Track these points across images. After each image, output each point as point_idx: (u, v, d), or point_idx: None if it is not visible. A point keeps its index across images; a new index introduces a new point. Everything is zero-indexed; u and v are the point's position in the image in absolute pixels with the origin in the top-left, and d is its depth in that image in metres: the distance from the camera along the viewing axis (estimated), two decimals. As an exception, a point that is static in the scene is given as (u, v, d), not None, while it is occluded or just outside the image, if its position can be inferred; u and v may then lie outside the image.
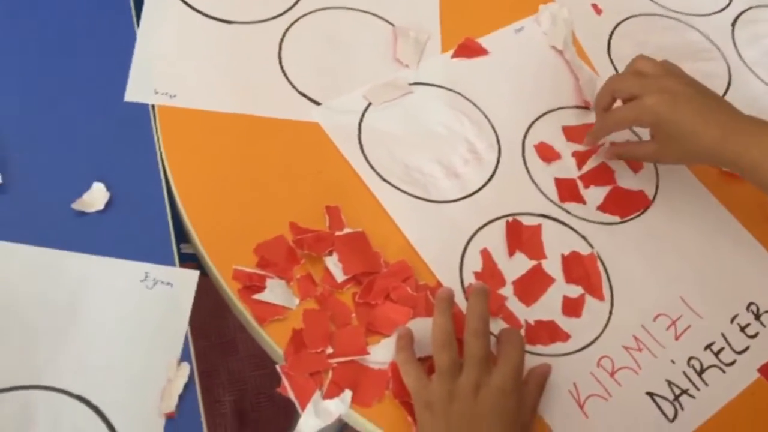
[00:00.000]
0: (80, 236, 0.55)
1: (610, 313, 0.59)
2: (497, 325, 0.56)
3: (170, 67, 0.64)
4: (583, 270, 0.61)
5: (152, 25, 0.66)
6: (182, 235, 0.58)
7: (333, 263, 0.57)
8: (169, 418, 0.49)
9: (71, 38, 0.64)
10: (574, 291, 0.60)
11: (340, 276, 0.56)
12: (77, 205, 0.56)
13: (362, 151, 0.63)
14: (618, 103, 0.64)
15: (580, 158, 0.68)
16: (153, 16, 0.66)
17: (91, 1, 0.66)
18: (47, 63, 0.62)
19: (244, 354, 0.92)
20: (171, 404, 0.50)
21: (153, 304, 0.53)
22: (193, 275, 0.54)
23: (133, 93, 0.61)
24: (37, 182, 0.56)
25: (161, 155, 0.60)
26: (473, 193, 0.63)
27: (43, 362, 0.50)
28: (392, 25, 0.71)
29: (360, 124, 0.65)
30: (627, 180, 0.67)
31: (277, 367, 0.53)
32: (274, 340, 0.54)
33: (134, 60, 0.63)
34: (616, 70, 0.74)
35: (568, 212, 0.64)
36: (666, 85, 0.60)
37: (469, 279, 0.59)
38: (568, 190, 0.66)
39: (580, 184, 0.66)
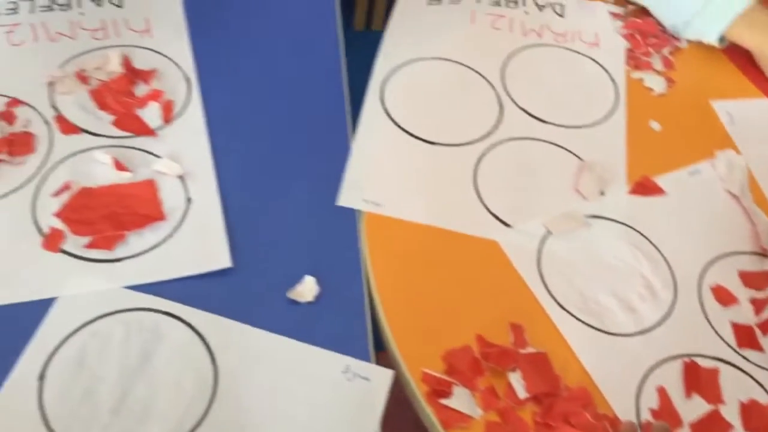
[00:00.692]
0: (291, 323, 0.60)
1: (794, 470, 0.58)
2: (677, 468, 0.56)
3: (378, 178, 0.71)
4: (763, 421, 0.60)
5: (365, 140, 0.74)
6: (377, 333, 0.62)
7: (516, 379, 0.59)
8: None
9: (297, 146, 0.73)
10: (755, 442, 0.59)
11: (522, 393, 0.59)
12: (291, 294, 0.62)
13: (541, 277, 0.67)
14: None
15: (758, 305, 0.68)
16: (366, 133, 0.74)
17: (316, 115, 0.75)
18: (274, 164, 0.71)
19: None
20: (361, 495, 0.53)
21: (350, 396, 0.57)
22: (389, 373, 0.58)
23: (345, 198, 0.69)
24: (260, 269, 0.63)
25: (365, 257, 0.66)
26: (649, 329, 0.65)
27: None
28: (580, 159, 0.76)
29: (539, 250, 0.69)
30: (806, 333, 0.66)
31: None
32: (456, 447, 0.56)
33: (348, 169, 0.71)
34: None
35: (746, 359, 0.64)
36: None
37: (645, 415, 0.59)
38: (746, 337, 0.66)
39: (758, 331, 0.66)
